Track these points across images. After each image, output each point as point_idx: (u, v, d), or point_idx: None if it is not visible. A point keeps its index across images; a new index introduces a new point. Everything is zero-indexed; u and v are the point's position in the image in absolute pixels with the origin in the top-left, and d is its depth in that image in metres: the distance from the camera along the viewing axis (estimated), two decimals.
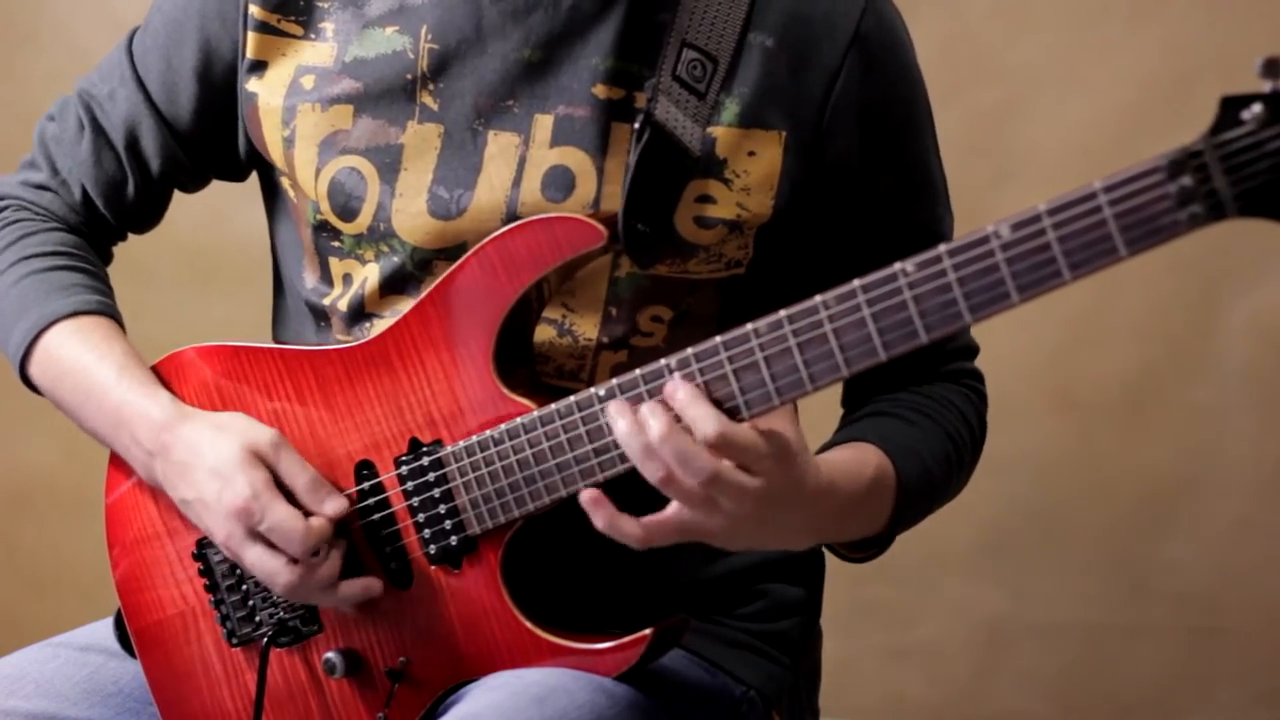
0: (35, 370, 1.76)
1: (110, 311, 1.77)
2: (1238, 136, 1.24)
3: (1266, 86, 1.24)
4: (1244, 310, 2.88)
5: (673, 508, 1.46)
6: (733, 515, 1.45)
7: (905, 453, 1.62)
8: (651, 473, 1.44)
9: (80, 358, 1.72)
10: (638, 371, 1.48)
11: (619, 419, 1.45)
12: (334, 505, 1.61)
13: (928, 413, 1.67)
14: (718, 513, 1.45)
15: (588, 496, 1.46)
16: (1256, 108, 1.23)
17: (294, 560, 1.59)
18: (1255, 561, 2.93)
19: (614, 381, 1.49)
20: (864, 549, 1.65)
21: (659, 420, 1.43)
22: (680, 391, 1.44)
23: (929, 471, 1.63)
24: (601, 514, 1.46)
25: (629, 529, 1.46)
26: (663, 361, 1.46)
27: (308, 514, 1.61)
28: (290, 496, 1.61)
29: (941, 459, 1.66)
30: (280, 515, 1.59)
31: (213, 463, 1.62)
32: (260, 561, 1.60)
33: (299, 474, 1.62)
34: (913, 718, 3.10)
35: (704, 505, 1.44)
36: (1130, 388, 2.94)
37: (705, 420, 1.43)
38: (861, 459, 1.59)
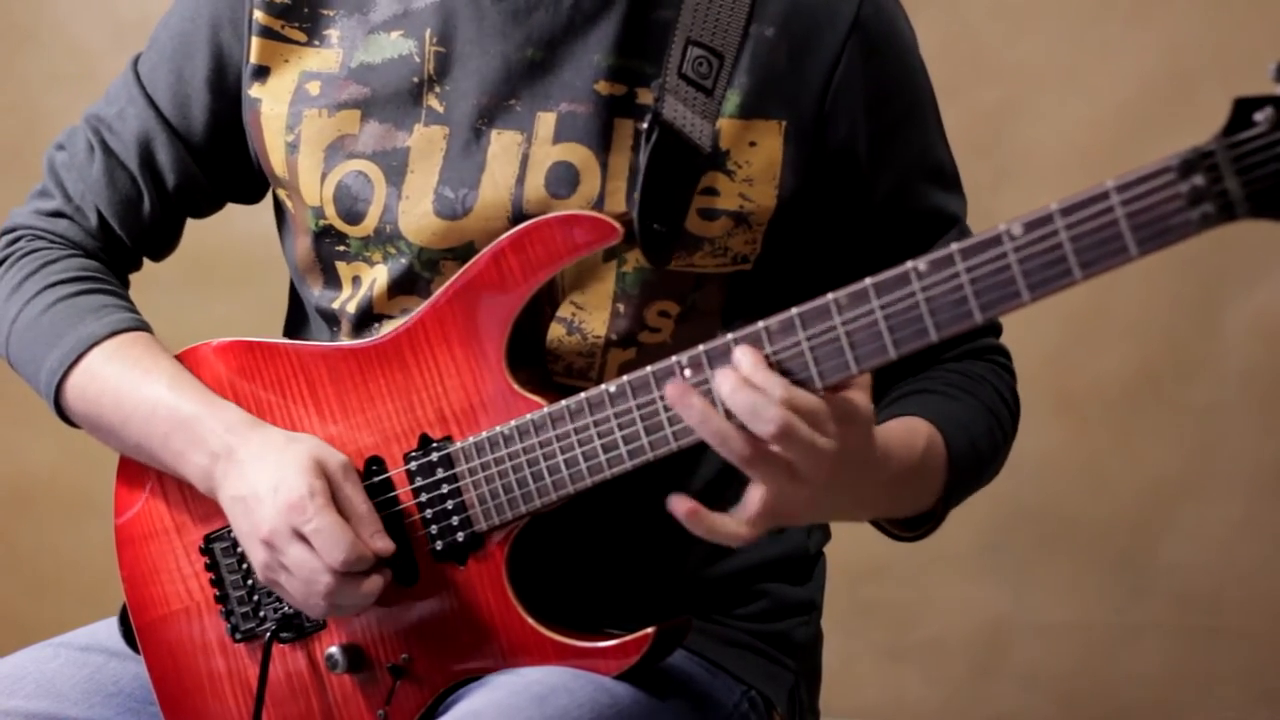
0: (71, 395, 1.75)
1: (144, 326, 1.77)
2: (1250, 138, 1.25)
3: (1279, 89, 1.24)
4: (1244, 310, 2.88)
5: (756, 489, 1.43)
6: (813, 482, 1.42)
7: (953, 425, 1.61)
8: (728, 443, 1.41)
9: (124, 374, 1.72)
10: (649, 369, 1.48)
11: (685, 395, 1.42)
12: (383, 543, 1.60)
13: (966, 388, 1.67)
14: (799, 481, 1.42)
15: (683, 510, 1.43)
16: (1269, 110, 1.24)
17: (333, 568, 1.58)
18: (1255, 561, 2.93)
19: (625, 379, 1.50)
20: (913, 527, 1.63)
21: (728, 379, 1.41)
22: (746, 357, 1.42)
23: (975, 443, 1.63)
24: (700, 523, 1.43)
25: (730, 529, 1.44)
26: (673, 359, 1.47)
27: None
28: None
29: (985, 432, 1.65)
30: (328, 520, 1.58)
31: (276, 463, 1.61)
32: (301, 560, 1.59)
33: (360, 503, 1.61)
34: (913, 718, 3.10)
35: (785, 472, 1.41)
36: (1130, 388, 2.94)
37: (772, 384, 1.40)
38: (912, 428, 1.59)
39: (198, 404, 1.68)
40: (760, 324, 1.43)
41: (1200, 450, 2.93)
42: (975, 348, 1.72)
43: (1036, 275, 1.33)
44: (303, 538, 1.59)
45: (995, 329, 1.76)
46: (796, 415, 1.39)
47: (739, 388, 1.40)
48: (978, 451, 1.63)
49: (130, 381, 1.71)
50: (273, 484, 1.60)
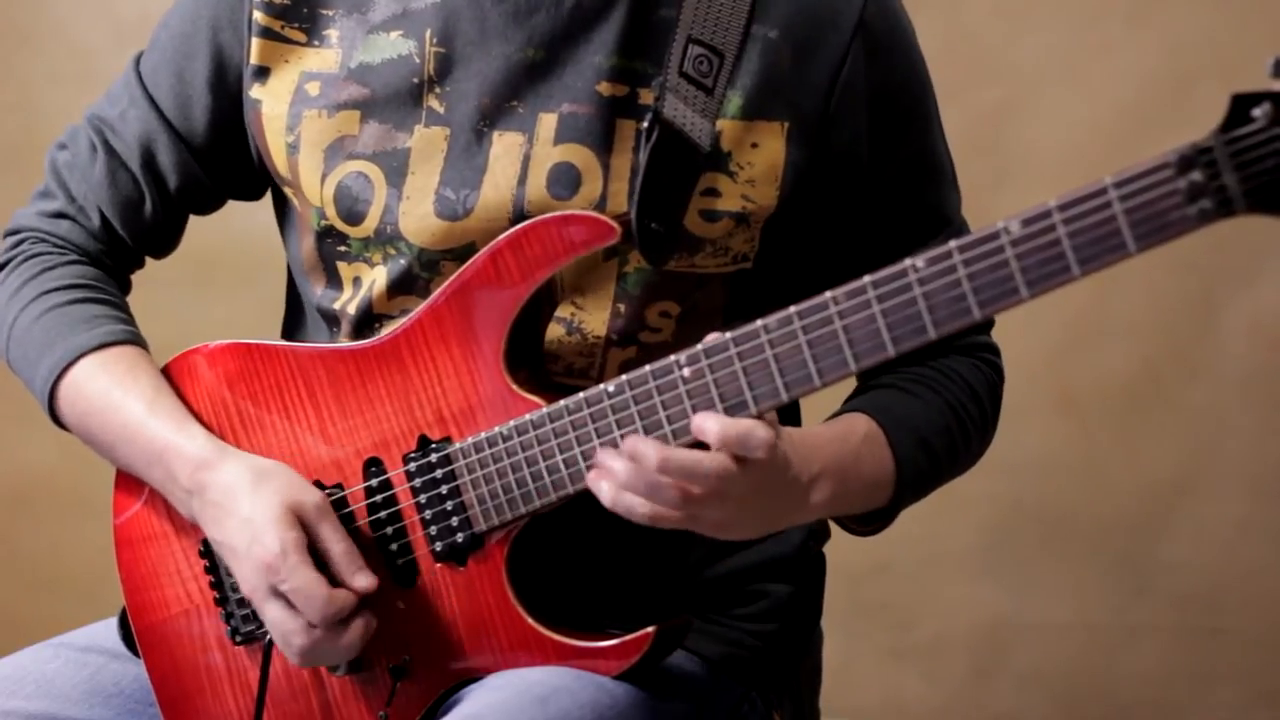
0: (63, 407, 1.75)
1: (134, 339, 1.77)
2: (1248, 133, 1.25)
3: (1277, 85, 1.25)
4: (1243, 309, 2.88)
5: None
6: (732, 504, 1.48)
7: (898, 422, 1.63)
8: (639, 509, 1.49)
9: (108, 393, 1.72)
10: (647, 368, 1.49)
11: (599, 477, 1.50)
12: (364, 580, 1.60)
13: (930, 384, 1.68)
14: (724, 505, 1.48)
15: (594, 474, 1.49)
16: (1267, 105, 1.24)
17: (312, 625, 1.59)
18: (1255, 561, 2.93)
19: (623, 378, 1.50)
20: (868, 521, 1.66)
21: (621, 463, 1.47)
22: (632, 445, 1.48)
23: (924, 439, 1.64)
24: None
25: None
26: (672, 358, 1.47)
27: (337, 583, 1.60)
28: (322, 564, 1.61)
29: (941, 429, 1.66)
30: (304, 579, 1.58)
31: (248, 513, 1.62)
32: (279, 620, 1.60)
33: (336, 542, 1.61)
34: (913, 718, 3.10)
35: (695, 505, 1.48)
36: (1130, 388, 2.94)
37: (648, 455, 1.46)
38: (847, 428, 1.61)
39: (168, 434, 1.69)
40: (759, 322, 1.44)
41: (1200, 450, 2.93)
42: (963, 345, 1.72)
43: (1035, 272, 1.33)
44: (281, 595, 1.59)
45: (986, 325, 1.76)
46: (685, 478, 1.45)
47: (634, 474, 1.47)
48: (929, 447, 1.64)
49: (111, 403, 1.72)
50: (246, 540, 1.61)
